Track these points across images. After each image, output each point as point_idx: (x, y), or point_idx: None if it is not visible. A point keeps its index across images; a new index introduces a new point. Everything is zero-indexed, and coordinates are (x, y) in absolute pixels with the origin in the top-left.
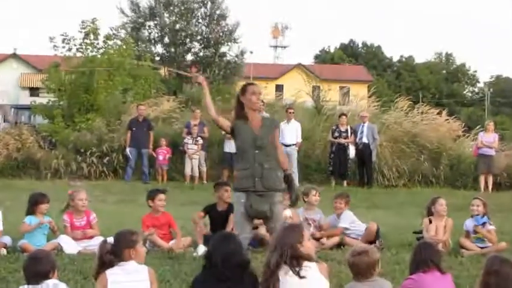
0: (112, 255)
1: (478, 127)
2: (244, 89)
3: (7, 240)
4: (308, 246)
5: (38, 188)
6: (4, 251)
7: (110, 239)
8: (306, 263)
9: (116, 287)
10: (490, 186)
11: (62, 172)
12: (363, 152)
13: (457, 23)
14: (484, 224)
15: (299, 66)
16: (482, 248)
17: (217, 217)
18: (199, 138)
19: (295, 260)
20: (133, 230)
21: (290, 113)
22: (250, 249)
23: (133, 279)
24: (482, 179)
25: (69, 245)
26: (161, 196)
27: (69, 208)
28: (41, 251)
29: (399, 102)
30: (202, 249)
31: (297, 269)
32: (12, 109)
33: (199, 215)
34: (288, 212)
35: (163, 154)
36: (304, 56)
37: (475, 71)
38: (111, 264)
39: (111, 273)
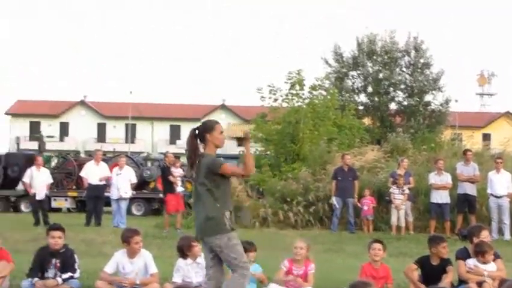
0: None
1: None
2: (211, 127)
3: None
4: None
5: (246, 236)
6: None
7: None
8: None
9: None
10: None
11: (270, 221)
12: None
13: None
14: None
15: (508, 114)
16: None
17: (431, 271)
18: (405, 188)
19: None
20: (368, 281)
21: (499, 163)
22: None
23: None
24: None
25: None
26: (377, 246)
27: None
28: None
29: None
30: None
31: None
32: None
33: (412, 267)
34: (492, 266)
35: (368, 204)
36: None
37: None
38: None
39: None
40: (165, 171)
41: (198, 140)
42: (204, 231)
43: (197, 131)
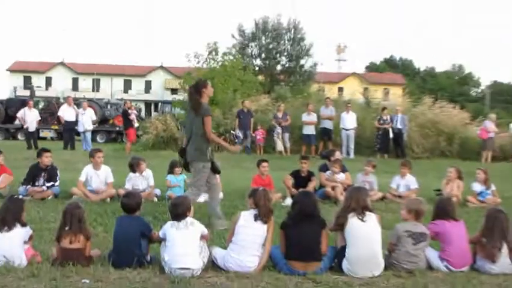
0: None
1: (480, 117)
2: (205, 84)
3: (157, 191)
4: (368, 201)
5: (176, 157)
6: (155, 199)
7: None
8: (368, 213)
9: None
10: (489, 159)
11: None
12: (398, 134)
13: (469, 41)
14: (482, 192)
15: (354, 74)
16: (483, 202)
17: (301, 180)
18: (283, 124)
19: (361, 209)
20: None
21: (349, 106)
22: (321, 201)
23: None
24: (484, 153)
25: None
26: (265, 164)
27: None
28: (180, 197)
29: (424, 100)
30: (288, 201)
31: (361, 216)
32: (160, 103)
33: (288, 177)
34: (341, 176)
35: (260, 134)
36: (359, 66)
37: (479, 77)
38: None
39: (243, 215)
40: (126, 113)
41: (194, 93)
42: (191, 156)
43: (195, 88)
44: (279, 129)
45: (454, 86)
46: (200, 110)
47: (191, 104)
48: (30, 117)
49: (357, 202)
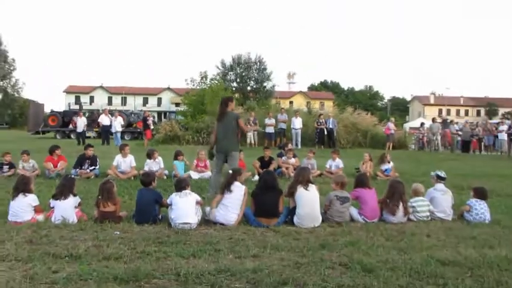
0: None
1: (384, 120)
2: (232, 99)
3: (166, 172)
4: (310, 177)
5: (180, 148)
6: (165, 177)
7: None
8: (310, 184)
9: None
10: (391, 148)
11: (190, 141)
12: (330, 132)
13: (377, 68)
14: (386, 169)
15: (300, 92)
16: (387, 176)
17: (264, 163)
18: (253, 125)
19: (305, 182)
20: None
21: (297, 113)
22: (279, 177)
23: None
24: (387, 144)
25: (194, 175)
26: (240, 153)
27: (198, 156)
28: (182, 176)
29: (347, 109)
30: (256, 177)
31: (306, 186)
32: (168, 113)
33: (256, 161)
34: (293, 160)
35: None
36: (303, 87)
37: (383, 94)
38: None
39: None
40: (145, 120)
41: (224, 105)
42: (230, 148)
43: (224, 101)
44: (251, 130)
45: (366, 100)
46: (231, 115)
47: (222, 112)
48: (79, 123)
49: (303, 177)
